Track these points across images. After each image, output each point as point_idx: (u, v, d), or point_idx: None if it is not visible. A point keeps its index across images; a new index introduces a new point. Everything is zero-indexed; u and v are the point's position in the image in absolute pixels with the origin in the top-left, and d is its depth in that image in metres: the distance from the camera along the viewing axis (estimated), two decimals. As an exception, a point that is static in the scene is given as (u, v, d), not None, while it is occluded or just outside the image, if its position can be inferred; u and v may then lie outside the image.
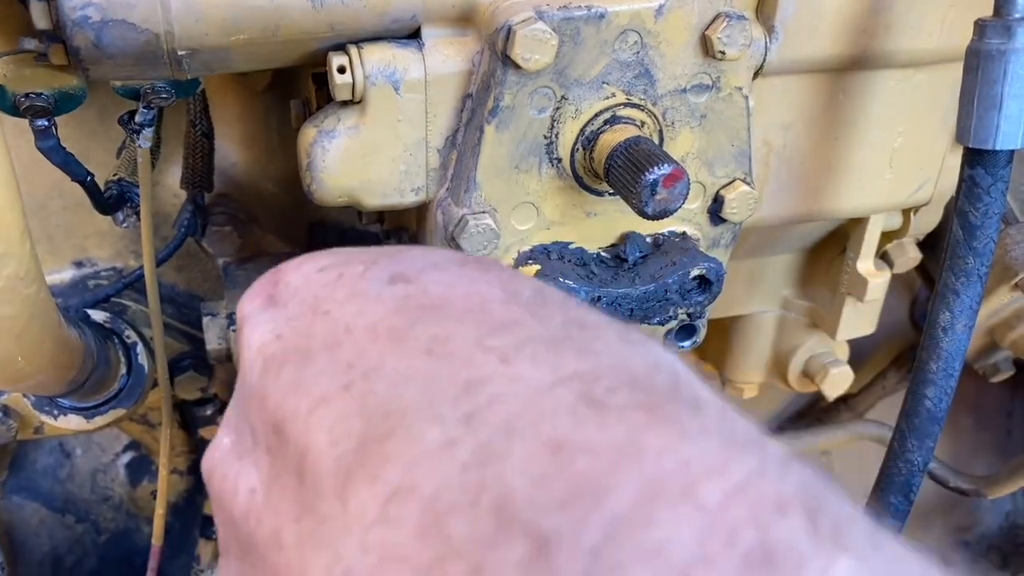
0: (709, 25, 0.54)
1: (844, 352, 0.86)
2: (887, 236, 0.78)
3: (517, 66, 0.51)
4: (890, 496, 0.65)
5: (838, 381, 0.83)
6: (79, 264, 0.92)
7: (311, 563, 0.26)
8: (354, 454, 0.27)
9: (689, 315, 0.62)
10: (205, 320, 0.82)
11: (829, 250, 0.80)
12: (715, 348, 0.88)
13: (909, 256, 0.79)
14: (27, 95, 0.56)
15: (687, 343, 0.66)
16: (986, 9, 0.56)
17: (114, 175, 0.74)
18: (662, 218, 0.53)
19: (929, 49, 0.65)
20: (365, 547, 0.25)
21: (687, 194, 0.53)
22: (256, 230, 0.91)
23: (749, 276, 0.82)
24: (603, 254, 0.60)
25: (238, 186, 0.91)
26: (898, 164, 0.70)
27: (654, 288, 0.59)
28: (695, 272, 0.59)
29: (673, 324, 0.62)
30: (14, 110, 0.57)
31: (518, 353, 0.27)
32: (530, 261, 0.58)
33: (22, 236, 0.46)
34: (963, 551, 1.16)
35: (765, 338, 0.85)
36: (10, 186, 0.45)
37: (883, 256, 0.80)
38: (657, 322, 0.61)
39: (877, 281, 0.75)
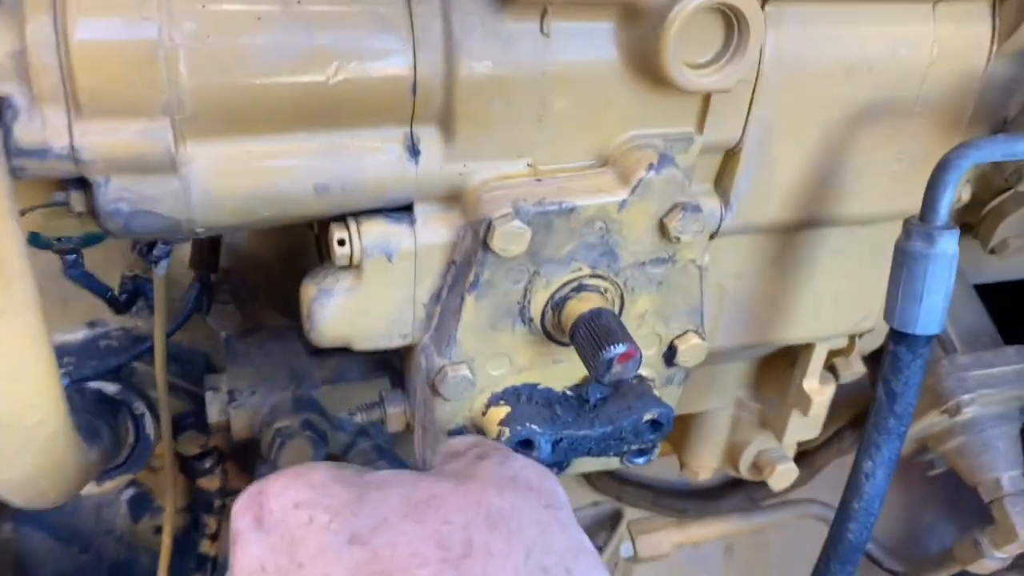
0: (667, 213, 0.61)
1: (791, 449, 0.94)
2: (834, 353, 0.86)
3: (496, 253, 0.58)
4: (814, 609, 0.73)
5: (784, 477, 0.91)
6: (91, 324, 0.99)
7: None
8: None
9: (641, 450, 0.69)
10: (208, 395, 0.90)
11: (780, 361, 0.87)
12: (675, 436, 0.96)
13: (854, 369, 0.87)
14: (59, 239, 0.63)
15: (641, 460, 0.73)
16: (923, 179, 0.63)
17: (130, 271, 0.81)
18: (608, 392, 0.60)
19: (874, 212, 0.72)
20: None
21: (639, 367, 0.60)
22: (256, 305, 0.98)
23: (707, 379, 0.89)
24: (568, 393, 0.68)
25: (242, 259, 0.98)
26: (843, 301, 0.78)
27: (611, 430, 0.66)
28: (648, 416, 0.67)
29: (626, 453, 0.70)
30: (47, 246, 0.64)
31: None
32: (501, 401, 0.66)
33: (56, 396, 0.53)
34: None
35: (720, 432, 0.93)
36: (46, 350, 0.52)
37: (830, 368, 0.88)
38: (612, 455, 0.69)
39: (821, 398, 0.83)
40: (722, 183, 0.67)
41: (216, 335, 1.00)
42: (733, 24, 0.57)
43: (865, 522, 0.69)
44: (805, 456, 1.16)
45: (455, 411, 0.66)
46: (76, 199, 0.55)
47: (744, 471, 0.93)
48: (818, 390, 0.83)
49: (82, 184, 0.54)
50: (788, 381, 0.86)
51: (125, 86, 0.51)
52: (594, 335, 0.59)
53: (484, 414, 0.66)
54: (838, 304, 0.78)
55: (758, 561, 1.44)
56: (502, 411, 0.65)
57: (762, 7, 0.60)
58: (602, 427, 0.66)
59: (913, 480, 0.94)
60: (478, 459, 0.50)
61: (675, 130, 0.62)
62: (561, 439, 0.65)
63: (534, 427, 0.65)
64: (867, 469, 0.67)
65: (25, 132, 0.51)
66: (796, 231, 0.72)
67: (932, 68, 0.65)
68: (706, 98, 0.61)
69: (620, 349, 0.58)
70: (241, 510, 0.42)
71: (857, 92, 0.64)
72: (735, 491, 1.22)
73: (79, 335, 0.99)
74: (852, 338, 0.85)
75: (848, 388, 0.98)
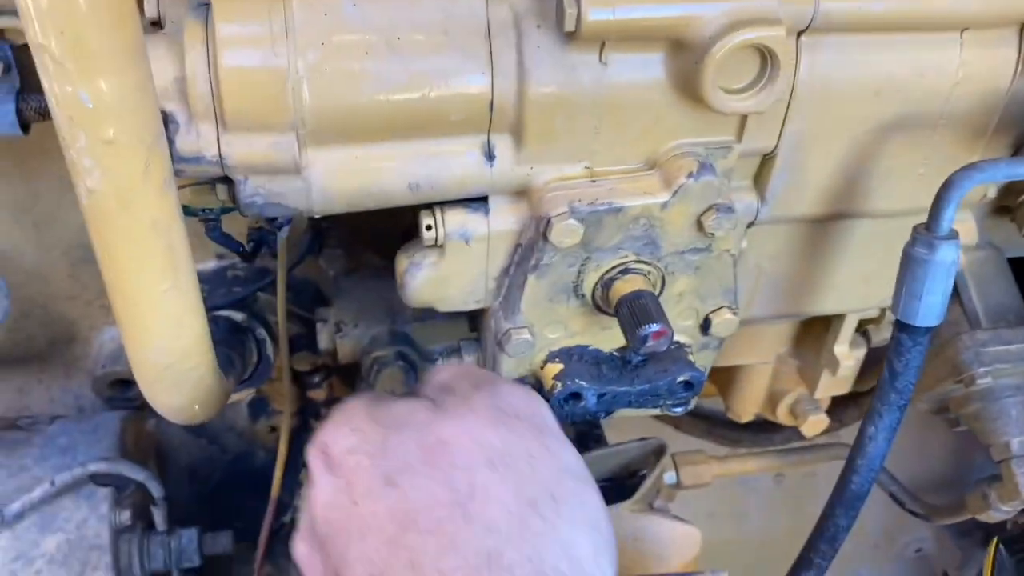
0: (703, 213, 0.71)
1: (825, 401, 1.04)
2: (866, 320, 0.95)
3: (553, 244, 0.70)
4: (819, 543, 0.85)
5: (815, 425, 1.02)
6: (220, 257, 1.16)
7: None
8: None
9: (677, 403, 0.81)
10: (318, 325, 1.05)
11: (817, 325, 0.97)
12: (722, 383, 1.08)
13: (884, 335, 0.96)
14: (202, 210, 0.78)
15: (679, 410, 0.85)
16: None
17: (256, 224, 0.96)
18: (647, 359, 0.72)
19: (901, 208, 0.80)
20: None
21: (670, 343, 0.71)
22: (360, 248, 1.12)
23: (752, 336, 1.00)
24: (615, 354, 0.80)
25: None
26: (872, 281, 0.87)
27: (649, 387, 0.79)
28: (682, 378, 0.79)
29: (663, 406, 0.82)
30: (194, 215, 0.79)
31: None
32: (557, 359, 0.79)
33: (206, 345, 0.69)
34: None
35: (761, 382, 1.04)
36: (200, 313, 0.67)
37: (863, 333, 0.97)
38: (650, 407, 0.81)
39: (848, 362, 0.93)
40: (759, 181, 0.77)
41: (325, 271, 1.15)
42: (767, 57, 0.65)
43: (867, 476, 0.80)
44: (857, 397, 1.26)
45: (517, 365, 0.79)
46: (221, 190, 0.70)
47: (781, 417, 1.05)
48: (847, 354, 0.93)
49: (226, 180, 0.68)
50: (822, 343, 0.96)
51: (261, 107, 0.64)
52: (634, 313, 0.71)
53: (542, 368, 0.79)
54: (867, 283, 0.87)
55: (807, 489, 1.56)
56: (557, 367, 0.78)
57: (798, 37, 0.68)
58: (641, 385, 0.79)
59: (939, 433, 1.03)
60: (473, 390, 0.58)
61: (716, 139, 0.72)
62: (605, 393, 0.78)
63: (582, 383, 0.77)
64: (870, 433, 0.78)
65: (184, 143, 0.65)
66: (827, 221, 0.81)
67: (957, 88, 0.72)
68: (744, 115, 0.70)
69: (654, 328, 0.70)
70: (313, 457, 0.56)
71: (884, 109, 0.72)
72: (786, 427, 1.33)
73: (210, 265, 1.15)
74: (883, 311, 0.94)
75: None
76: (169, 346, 0.65)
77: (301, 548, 0.55)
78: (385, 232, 1.15)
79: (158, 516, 1.05)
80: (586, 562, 0.50)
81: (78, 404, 1.28)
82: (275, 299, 1.03)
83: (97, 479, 1.04)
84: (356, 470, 0.52)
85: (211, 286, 1.14)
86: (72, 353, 1.24)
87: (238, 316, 1.05)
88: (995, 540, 0.87)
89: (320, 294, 1.22)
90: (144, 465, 1.14)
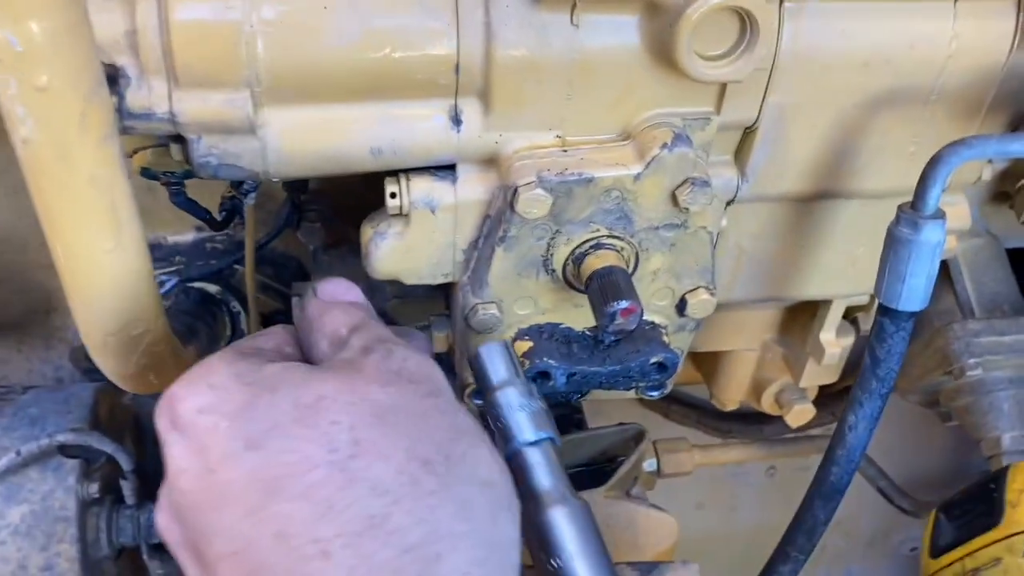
0: (678, 186, 0.68)
1: (813, 391, 1.01)
2: (855, 307, 0.92)
3: (520, 215, 0.67)
4: (797, 536, 0.82)
5: (800, 415, 0.99)
6: (199, 229, 1.14)
7: None
8: None
9: (653, 386, 0.78)
10: (294, 300, 1.03)
11: (804, 311, 0.94)
12: (706, 370, 1.05)
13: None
14: (164, 173, 0.75)
15: (655, 394, 0.83)
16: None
17: (229, 192, 0.93)
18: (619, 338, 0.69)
19: (890, 188, 0.77)
20: None
21: (639, 321, 0.68)
22: (340, 223, 1.10)
23: (737, 322, 0.97)
24: (587, 332, 0.77)
25: (328, 182, 1.10)
26: (860, 264, 0.84)
27: (620, 368, 0.76)
28: (655, 359, 0.76)
29: (636, 388, 0.79)
30: (155, 178, 0.77)
31: (333, 548, 0.41)
32: (526, 337, 0.76)
33: (156, 311, 0.66)
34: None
35: (746, 370, 1.01)
36: (148, 277, 0.65)
37: (853, 321, 0.94)
38: (622, 389, 0.78)
39: (834, 350, 0.90)
40: (740, 156, 0.74)
41: (304, 246, 1.13)
42: (746, 22, 0.62)
43: (846, 468, 0.77)
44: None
45: (485, 341, 0.76)
46: (175, 150, 0.67)
47: (765, 406, 1.02)
48: (833, 342, 0.90)
49: (180, 139, 0.66)
50: (809, 330, 0.92)
51: (213, 62, 0.61)
52: (603, 289, 0.68)
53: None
54: (854, 267, 0.84)
55: (799, 483, 1.52)
56: (525, 345, 0.76)
57: (781, 2, 0.65)
58: (612, 365, 0.76)
59: (927, 431, 1.00)
60: (364, 352, 0.52)
61: (694, 110, 0.68)
62: (575, 373, 0.75)
63: (551, 361, 0.75)
64: (850, 422, 0.75)
65: (135, 98, 0.62)
66: (813, 200, 0.78)
67: (950, 61, 0.69)
68: (723, 84, 0.67)
69: (623, 305, 0.67)
70: (158, 415, 0.50)
71: (873, 82, 0.69)
72: (777, 417, 1.30)
73: (189, 237, 1.13)
74: (873, 297, 0.90)
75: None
76: (114, 310, 0.62)
77: (160, 519, 0.49)
78: (367, 206, 1.13)
79: (127, 489, 1.03)
80: (483, 521, 0.45)
81: (57, 375, 1.26)
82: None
83: (65, 450, 1.02)
84: (211, 432, 0.46)
85: (188, 258, 1.12)
86: (51, 323, 1.23)
87: (212, 288, 1.03)
88: (934, 511, 0.85)
89: (302, 269, 1.19)
90: (117, 438, 1.12)
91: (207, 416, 0.46)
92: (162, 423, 0.49)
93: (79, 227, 0.57)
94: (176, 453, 0.47)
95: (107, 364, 0.67)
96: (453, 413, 0.50)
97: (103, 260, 0.60)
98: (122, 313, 0.63)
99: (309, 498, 0.42)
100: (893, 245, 0.67)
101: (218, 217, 0.91)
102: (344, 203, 1.10)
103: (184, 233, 1.13)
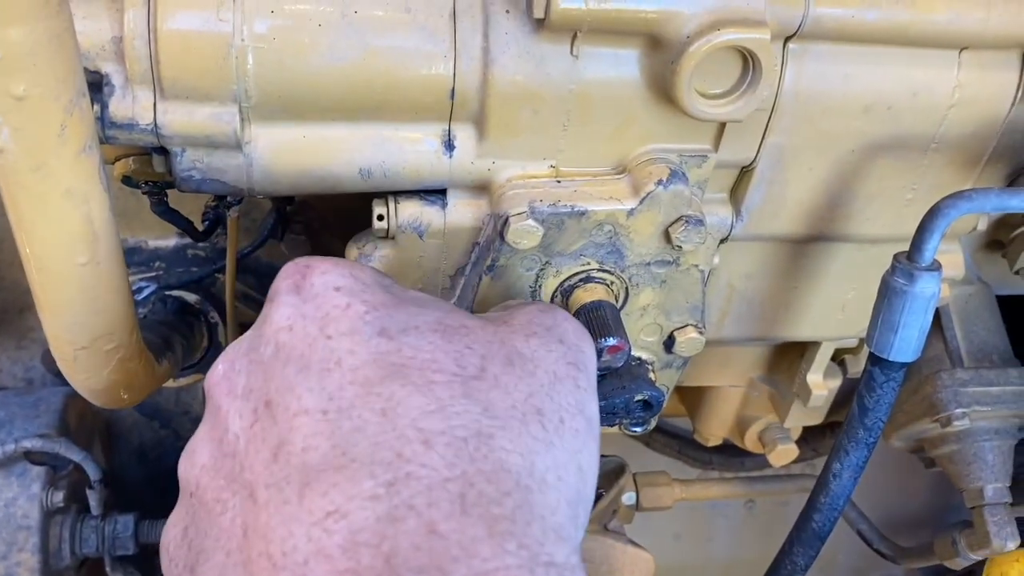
0: (672, 224, 0.67)
1: (797, 430, 1.00)
2: (844, 349, 0.91)
3: (510, 244, 0.65)
4: (776, 581, 0.81)
5: (783, 455, 0.98)
6: (181, 234, 1.12)
7: (272, 524, 0.38)
8: (315, 468, 0.38)
9: (632, 423, 0.77)
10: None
11: (792, 350, 0.93)
12: (691, 404, 1.04)
13: (862, 366, 0.91)
14: (146, 182, 0.73)
15: (638, 430, 0.81)
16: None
17: (213, 202, 0.91)
18: (605, 373, 0.68)
19: (886, 234, 0.76)
20: (308, 536, 0.37)
21: (627, 359, 0.67)
22: (326, 236, 1.08)
23: (724, 358, 0.96)
24: (572, 366, 0.76)
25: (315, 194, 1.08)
26: (850, 309, 0.83)
27: (604, 404, 0.74)
28: (639, 397, 0.74)
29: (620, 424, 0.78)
30: (137, 187, 0.75)
31: (436, 441, 0.39)
32: (510, 368, 0.74)
33: (130, 325, 0.64)
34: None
35: (730, 406, 1.00)
36: (124, 291, 0.63)
37: (840, 362, 0.93)
38: (605, 424, 0.77)
39: (821, 392, 0.89)
40: (736, 194, 0.72)
41: (288, 257, 1.11)
42: (749, 61, 0.61)
43: (829, 515, 0.76)
44: (833, 426, 1.22)
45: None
46: (158, 162, 0.65)
47: (749, 444, 1.00)
48: (820, 384, 0.89)
49: (163, 151, 0.64)
50: (796, 370, 0.91)
51: (201, 75, 0.59)
52: (591, 324, 0.67)
53: (494, 376, 0.74)
54: (845, 311, 0.82)
55: (777, 516, 1.51)
56: (509, 376, 0.74)
57: (785, 43, 0.64)
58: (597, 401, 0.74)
59: (913, 472, 0.99)
60: (524, 304, 0.51)
61: (691, 146, 0.67)
62: (557, 407, 0.74)
63: (534, 395, 0.73)
64: (835, 470, 0.73)
65: (118, 108, 0.60)
66: (806, 242, 0.77)
67: (952, 110, 0.68)
68: (723, 122, 0.66)
69: (610, 342, 0.65)
70: (284, 274, 0.46)
71: (874, 127, 0.68)
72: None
73: (171, 243, 1.11)
74: (861, 341, 0.89)
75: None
76: (86, 324, 0.60)
77: (220, 367, 0.45)
78: (353, 220, 1.11)
79: (93, 499, 1.01)
80: (570, 491, 0.42)
81: (27, 376, 1.23)
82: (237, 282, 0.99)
83: (32, 457, 1.00)
84: (342, 309, 0.43)
85: (169, 263, 1.10)
86: (24, 323, 1.20)
87: (191, 298, 1.01)
88: None
89: (284, 281, 1.17)
90: (86, 445, 1.10)
91: (343, 295, 0.43)
92: (284, 284, 0.45)
93: (52, 239, 0.55)
94: (287, 312, 0.44)
95: (76, 378, 0.65)
96: (586, 392, 0.47)
97: (76, 273, 0.58)
98: (94, 327, 0.61)
99: (425, 392, 0.40)
100: (887, 295, 0.66)
101: (200, 227, 0.89)
102: (331, 216, 1.08)
103: (166, 238, 1.11)
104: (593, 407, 0.47)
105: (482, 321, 0.47)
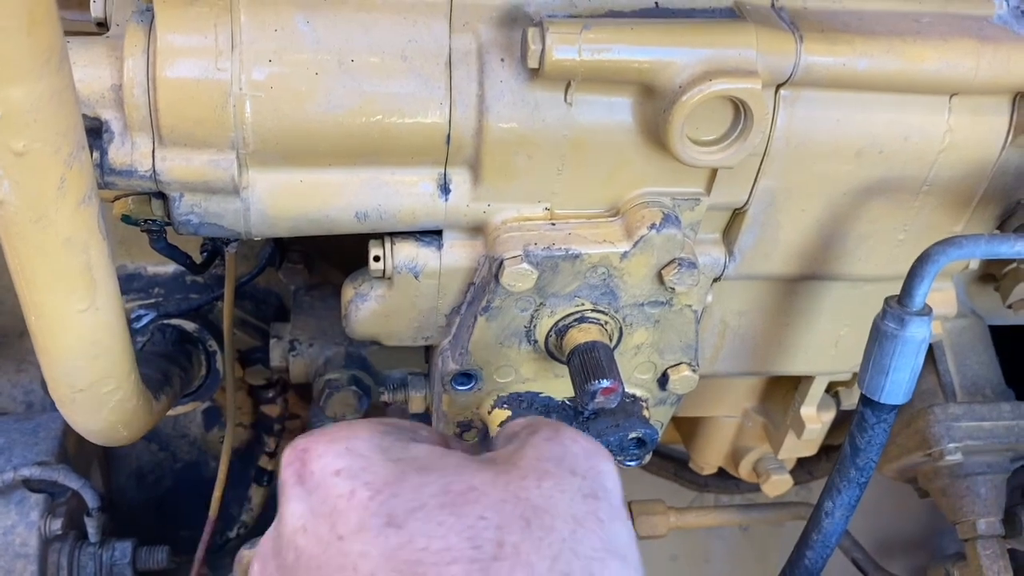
0: (665, 266, 0.67)
1: (791, 460, 1.00)
2: (837, 382, 0.91)
3: (505, 287, 0.66)
4: (768, 616, 0.81)
5: (778, 486, 0.98)
6: (181, 261, 1.12)
7: None
8: None
9: (626, 459, 0.77)
10: (272, 341, 1.01)
11: (786, 383, 0.93)
12: (686, 433, 1.04)
13: (855, 399, 0.92)
14: (145, 220, 0.74)
15: (633, 464, 0.81)
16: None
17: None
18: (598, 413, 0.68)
19: (877, 274, 0.76)
20: None
21: (620, 400, 0.68)
22: (324, 264, 1.09)
23: (719, 389, 0.96)
24: (567, 403, 0.76)
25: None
26: (843, 345, 0.83)
27: (599, 442, 0.75)
28: (633, 434, 0.75)
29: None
30: (136, 224, 0.75)
31: None
32: (505, 405, 0.75)
33: (127, 367, 0.65)
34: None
35: (725, 436, 1.00)
36: (122, 335, 0.63)
37: (834, 395, 0.93)
38: (600, 461, 0.77)
39: (814, 425, 0.89)
40: (728, 235, 0.73)
41: (286, 285, 1.11)
42: (740, 110, 0.62)
43: (821, 552, 0.76)
44: (829, 451, 1.22)
45: (464, 407, 0.75)
46: (156, 206, 0.66)
47: (743, 474, 1.01)
48: (814, 417, 0.89)
49: (162, 196, 0.64)
50: (790, 402, 0.92)
51: (200, 123, 0.60)
52: (585, 366, 0.67)
53: (489, 413, 0.75)
54: (838, 347, 0.83)
55: (773, 539, 1.52)
56: (504, 414, 0.74)
57: (776, 90, 0.65)
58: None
59: (908, 493, 0.99)
60: (529, 435, 0.48)
61: (684, 190, 0.68)
62: (552, 445, 0.74)
63: (528, 433, 0.73)
64: (827, 508, 0.74)
65: (117, 154, 0.61)
66: (799, 281, 0.77)
67: (943, 154, 0.69)
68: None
69: (604, 384, 0.66)
70: (286, 464, 0.45)
71: (865, 171, 0.69)
72: (755, 476, 1.30)
73: (169, 269, 1.12)
74: (855, 375, 0.90)
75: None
76: (85, 368, 0.61)
77: (257, 568, 0.45)
78: (351, 250, 1.12)
79: (91, 527, 1.01)
80: None
81: (27, 400, 1.24)
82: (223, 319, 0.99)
83: (31, 484, 1.00)
84: (347, 499, 0.42)
85: (167, 290, 1.11)
86: (23, 347, 1.21)
87: (190, 326, 1.01)
88: None
89: (283, 306, 1.18)
90: (85, 470, 1.10)
91: (345, 481, 0.43)
92: (287, 473, 0.45)
93: (52, 288, 0.56)
94: (298, 510, 0.43)
95: (75, 419, 0.66)
96: (611, 522, 0.45)
97: (75, 320, 0.58)
98: (92, 371, 0.62)
99: None
100: (878, 338, 0.66)
101: (199, 259, 0.90)
102: (328, 245, 1.09)
103: (165, 265, 1.11)
104: (623, 534, 0.45)
105: (491, 474, 0.44)
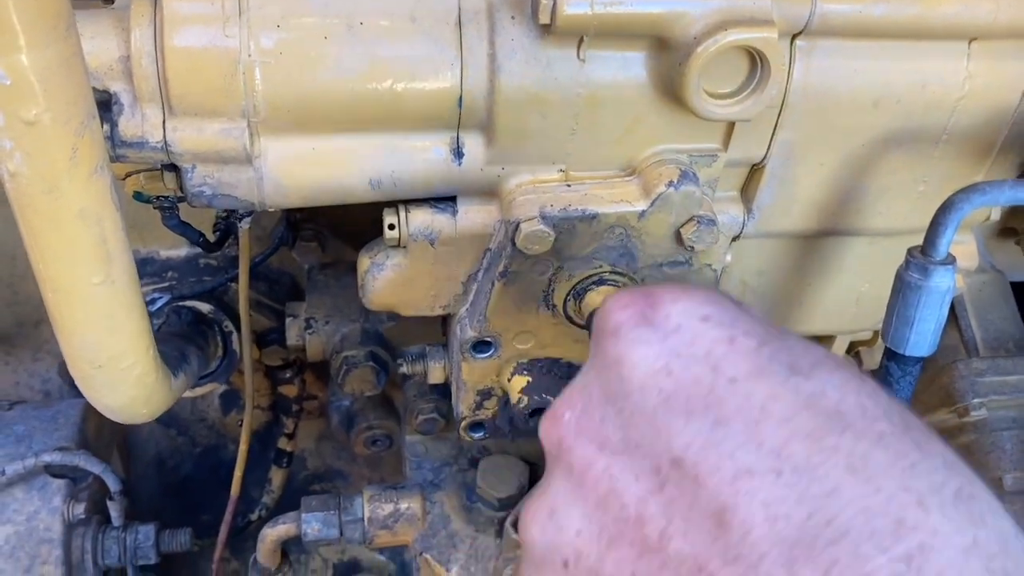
0: (683, 224, 0.67)
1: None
2: (859, 341, 0.90)
3: (521, 250, 0.65)
4: None
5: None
6: (192, 245, 1.12)
7: None
8: (798, 542, 0.31)
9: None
10: (288, 320, 1.01)
11: (807, 345, 0.92)
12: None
13: (877, 359, 0.91)
14: (157, 197, 0.73)
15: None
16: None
17: (223, 213, 0.92)
18: (619, 377, 0.68)
19: (897, 227, 0.75)
20: None
21: (642, 361, 0.67)
22: (337, 242, 1.08)
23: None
24: (587, 368, 0.76)
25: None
26: (864, 302, 0.82)
27: (620, 405, 0.74)
28: (655, 397, 0.74)
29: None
30: (148, 201, 0.75)
31: (930, 500, 0.32)
32: (525, 372, 0.74)
33: (145, 343, 0.65)
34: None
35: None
36: (139, 308, 0.63)
37: (856, 355, 0.92)
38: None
39: (837, 386, 0.88)
40: (747, 192, 0.72)
41: (300, 264, 1.11)
42: (757, 61, 0.61)
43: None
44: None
45: (483, 375, 0.75)
46: (168, 179, 0.65)
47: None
48: (836, 378, 0.88)
49: (174, 168, 0.64)
50: (811, 364, 0.91)
51: (209, 92, 0.60)
52: (605, 328, 0.67)
53: (509, 380, 0.75)
54: (859, 305, 0.82)
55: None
56: (523, 380, 0.74)
57: (792, 40, 0.64)
58: (612, 403, 0.74)
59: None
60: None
61: (701, 146, 0.67)
62: (573, 410, 0.74)
63: (549, 397, 0.73)
64: (853, 465, 0.73)
65: (128, 126, 0.60)
66: (818, 238, 0.76)
67: (962, 102, 0.67)
68: (732, 121, 0.66)
69: (625, 345, 0.65)
70: (620, 304, 0.39)
71: (883, 121, 0.68)
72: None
73: (182, 252, 1.11)
74: (876, 333, 0.89)
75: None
76: (102, 343, 0.61)
77: (566, 415, 0.39)
78: (364, 226, 1.11)
79: (114, 511, 1.01)
80: None
81: (45, 388, 1.24)
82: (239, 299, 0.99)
83: (52, 470, 1.01)
84: (726, 344, 0.36)
85: (181, 273, 1.10)
86: (40, 335, 1.21)
87: (205, 307, 1.01)
88: None
89: (296, 286, 1.18)
90: (104, 456, 1.11)
91: (717, 328, 0.37)
92: (625, 315, 0.39)
93: (67, 260, 0.56)
94: (651, 352, 0.37)
95: (94, 396, 0.65)
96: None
97: (91, 293, 0.58)
98: (110, 346, 0.61)
99: (883, 446, 0.34)
100: (902, 290, 0.65)
101: (212, 238, 0.89)
102: (341, 222, 1.09)
103: (178, 248, 1.11)
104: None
105: (834, 361, 0.39)
